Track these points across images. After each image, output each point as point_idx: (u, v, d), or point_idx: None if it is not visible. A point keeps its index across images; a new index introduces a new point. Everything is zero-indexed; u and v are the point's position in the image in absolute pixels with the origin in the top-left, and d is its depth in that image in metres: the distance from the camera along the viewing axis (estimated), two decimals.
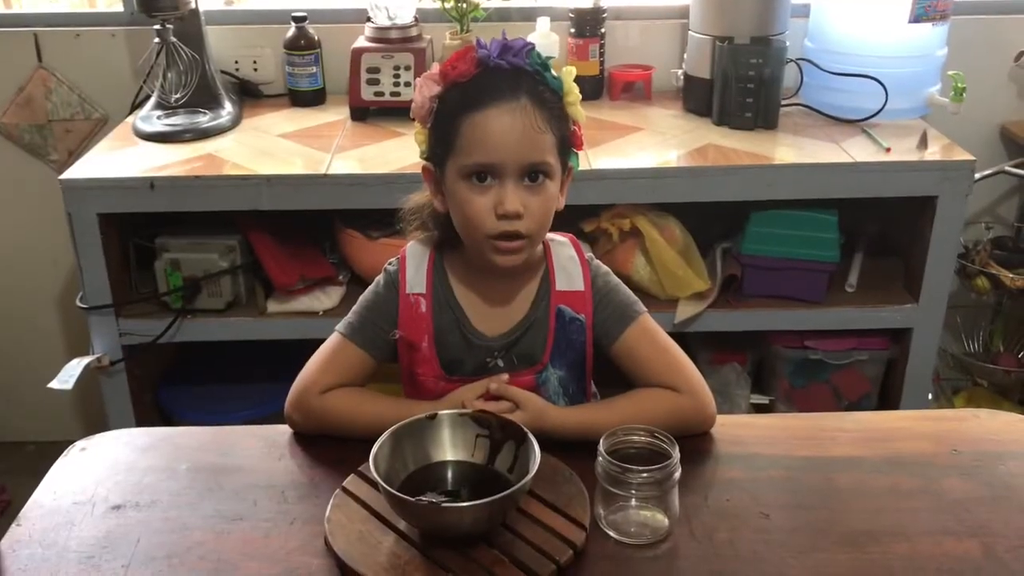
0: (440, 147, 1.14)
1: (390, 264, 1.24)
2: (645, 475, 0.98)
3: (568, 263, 1.22)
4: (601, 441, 1.02)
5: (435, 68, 1.13)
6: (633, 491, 1.00)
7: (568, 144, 1.16)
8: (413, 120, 1.17)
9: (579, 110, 1.15)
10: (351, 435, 1.14)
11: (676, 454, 1.00)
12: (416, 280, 1.21)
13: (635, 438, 1.04)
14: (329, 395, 1.18)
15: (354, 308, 1.23)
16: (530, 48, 1.11)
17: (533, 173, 1.11)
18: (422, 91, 1.13)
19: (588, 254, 1.24)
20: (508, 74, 1.10)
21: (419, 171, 1.20)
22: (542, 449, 1.00)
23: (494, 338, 1.20)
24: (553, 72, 1.13)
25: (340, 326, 1.22)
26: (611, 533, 1.01)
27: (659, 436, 1.03)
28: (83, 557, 0.99)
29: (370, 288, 1.24)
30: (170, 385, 2.19)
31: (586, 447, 1.06)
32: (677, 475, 1.00)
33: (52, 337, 2.49)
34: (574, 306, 1.20)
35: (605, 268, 1.25)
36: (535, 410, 1.13)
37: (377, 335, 1.20)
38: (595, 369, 1.26)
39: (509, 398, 1.14)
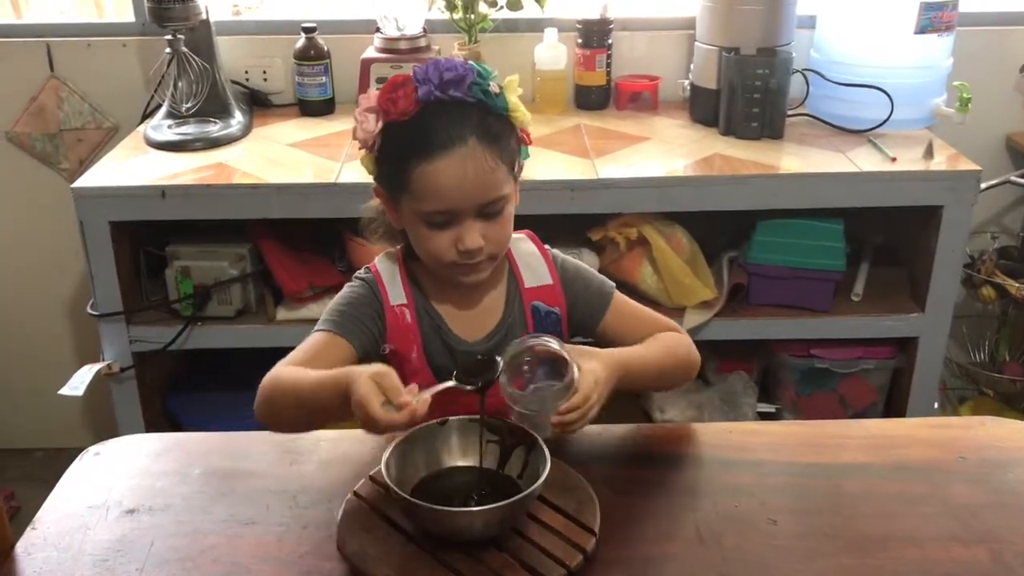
0: (391, 184, 1.13)
1: (364, 273, 1.22)
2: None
3: (531, 259, 1.24)
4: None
5: (372, 98, 1.11)
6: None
7: (518, 158, 1.15)
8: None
9: (524, 117, 1.14)
10: (293, 404, 1.07)
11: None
12: (395, 292, 1.20)
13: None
14: (286, 367, 1.12)
15: (328, 310, 1.20)
16: (471, 80, 1.08)
17: (490, 206, 1.11)
18: (364, 126, 1.11)
19: (546, 246, 1.26)
20: (452, 111, 1.08)
21: None
22: (552, 456, 1.01)
23: (475, 343, 1.20)
24: (494, 90, 1.10)
25: (316, 327, 1.18)
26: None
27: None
28: (98, 560, 0.99)
29: (342, 293, 1.21)
30: (179, 392, 2.21)
31: (595, 453, 1.06)
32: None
33: (62, 344, 2.51)
34: (546, 300, 1.22)
35: (564, 256, 1.26)
36: (613, 366, 1.11)
37: (357, 326, 1.16)
38: None
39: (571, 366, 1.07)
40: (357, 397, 0.96)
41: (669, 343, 1.22)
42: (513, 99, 1.12)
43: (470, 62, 1.11)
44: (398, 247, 1.24)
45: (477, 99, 1.08)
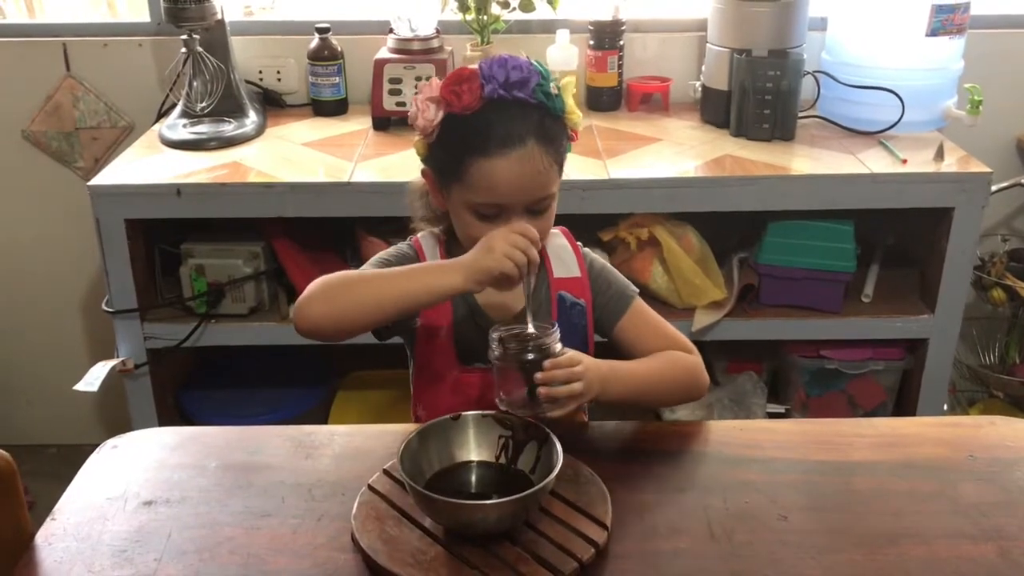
0: (444, 170, 1.16)
1: (406, 246, 1.25)
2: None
3: (561, 252, 1.26)
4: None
5: (434, 86, 1.13)
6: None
7: (566, 155, 1.18)
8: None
9: (578, 119, 1.17)
10: (359, 294, 1.11)
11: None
12: None
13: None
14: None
15: (372, 261, 1.23)
16: (536, 82, 1.11)
17: (539, 204, 1.14)
18: (425, 115, 1.13)
19: (578, 243, 1.28)
20: (514, 110, 1.11)
21: None
22: (564, 451, 1.02)
23: (501, 324, 1.22)
24: (553, 90, 1.13)
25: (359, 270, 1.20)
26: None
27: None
28: (116, 551, 1.01)
29: (387, 251, 1.25)
30: (192, 389, 2.22)
31: (606, 449, 1.07)
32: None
33: (77, 341, 2.53)
34: (573, 292, 1.24)
35: (595, 255, 1.29)
36: (598, 363, 1.14)
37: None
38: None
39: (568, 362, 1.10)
40: (516, 226, 1.09)
41: (671, 361, 1.22)
42: (569, 101, 1.15)
43: (533, 61, 1.13)
44: (439, 228, 1.26)
45: (539, 101, 1.11)
